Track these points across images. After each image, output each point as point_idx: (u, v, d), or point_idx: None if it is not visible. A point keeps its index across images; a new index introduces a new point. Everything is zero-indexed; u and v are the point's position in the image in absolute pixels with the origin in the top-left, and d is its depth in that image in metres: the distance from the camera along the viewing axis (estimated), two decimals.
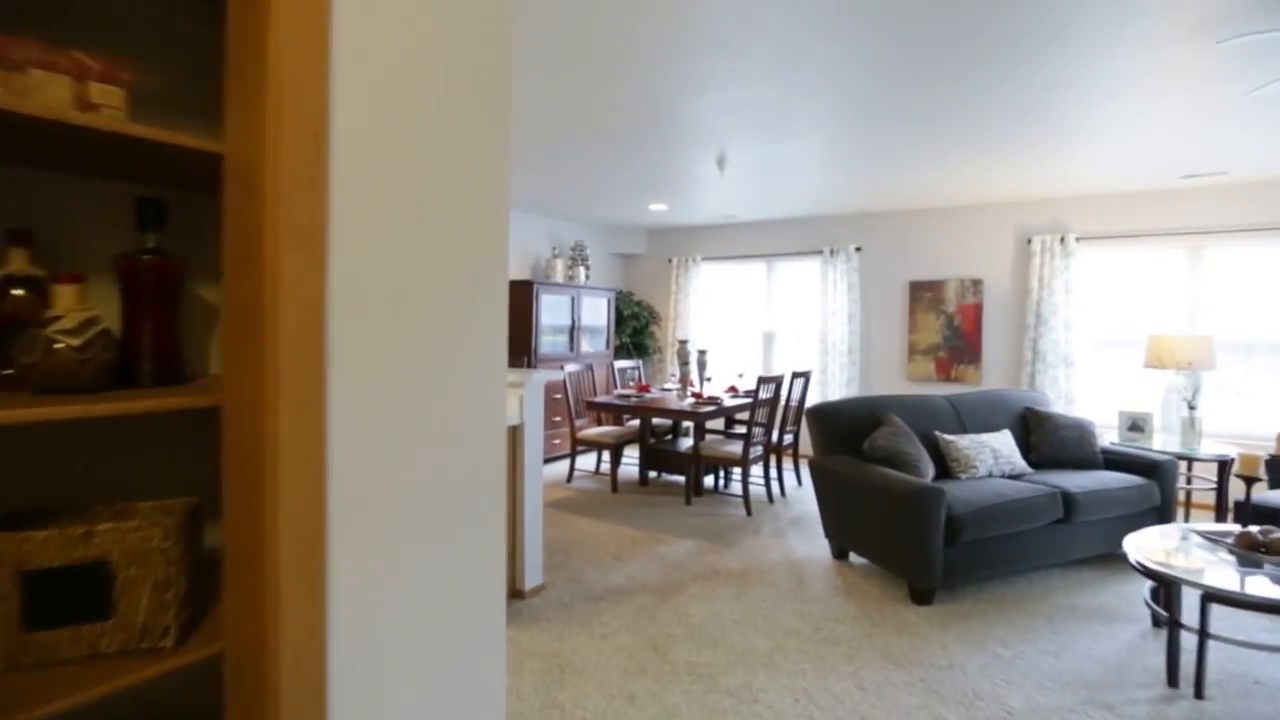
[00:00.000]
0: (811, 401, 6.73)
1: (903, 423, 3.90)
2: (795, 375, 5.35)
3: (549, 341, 6.52)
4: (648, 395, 5.57)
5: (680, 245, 7.74)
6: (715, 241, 7.50)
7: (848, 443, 3.95)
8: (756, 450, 4.91)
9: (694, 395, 5.32)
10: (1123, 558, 3.98)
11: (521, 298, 6.20)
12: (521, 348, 6.22)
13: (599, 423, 6.05)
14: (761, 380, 4.77)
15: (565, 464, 6.19)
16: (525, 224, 6.73)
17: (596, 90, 3.17)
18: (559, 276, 6.70)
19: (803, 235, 6.94)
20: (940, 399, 4.36)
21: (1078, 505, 3.64)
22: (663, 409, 4.97)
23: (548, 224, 7.01)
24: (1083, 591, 3.52)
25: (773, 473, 5.70)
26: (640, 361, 6.64)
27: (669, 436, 6.00)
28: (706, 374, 5.78)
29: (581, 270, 6.91)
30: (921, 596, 3.34)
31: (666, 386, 6.17)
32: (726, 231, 7.42)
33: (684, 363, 5.65)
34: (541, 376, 3.30)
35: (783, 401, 5.92)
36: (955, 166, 4.64)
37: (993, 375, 6.04)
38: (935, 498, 3.27)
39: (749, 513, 4.83)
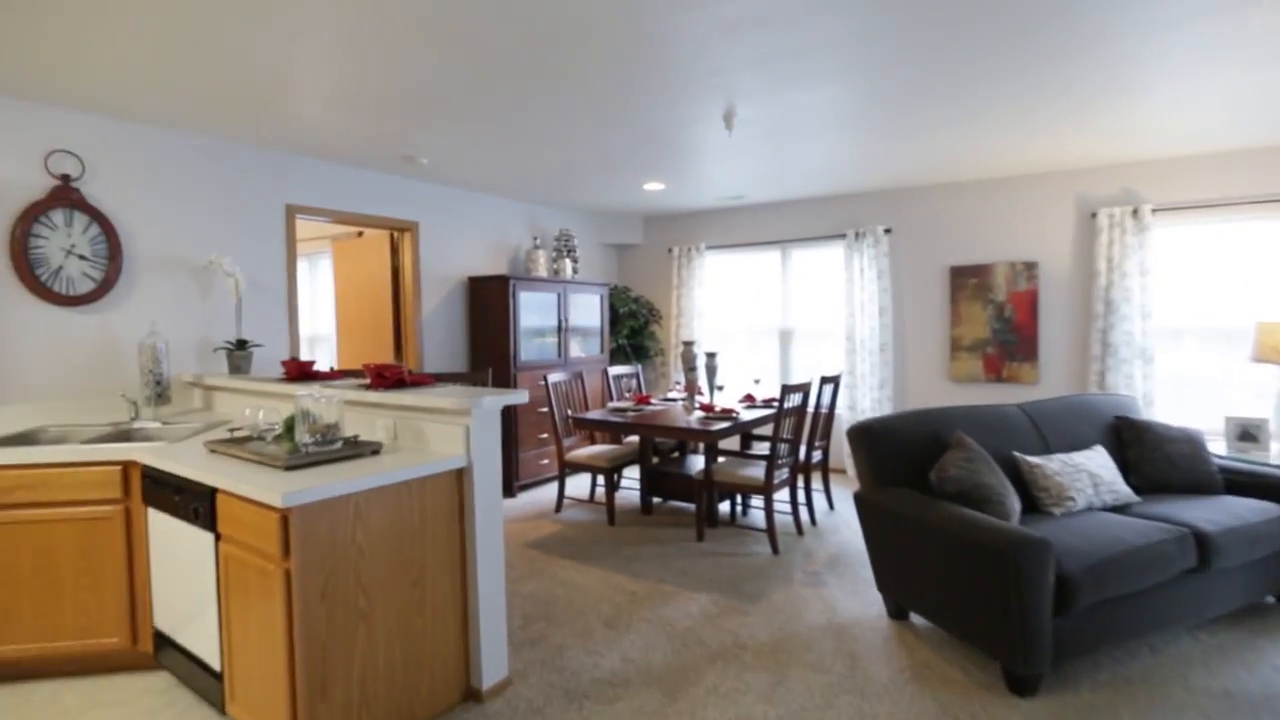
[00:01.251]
0: (841, 409, 5.85)
1: (976, 445, 3.01)
2: (824, 380, 4.47)
3: (532, 346, 5.64)
4: (649, 408, 4.69)
5: (682, 232, 6.86)
6: (722, 227, 6.61)
7: (906, 470, 3.07)
8: (782, 474, 4.03)
9: (703, 407, 4.44)
10: (1270, 611, 3.09)
11: (495, 296, 5.33)
12: (497, 355, 5.35)
13: (593, 441, 5.17)
14: (786, 389, 3.89)
15: (554, 489, 5.31)
16: (500, 211, 5.86)
17: (562, 4, 2.30)
18: (542, 270, 5.83)
19: (823, 217, 6.05)
20: (1013, 410, 3.47)
21: (1216, 548, 2.76)
22: (667, 426, 4.09)
23: (528, 211, 6.14)
24: (1230, 665, 2.63)
25: (800, 496, 4.82)
26: (640, 367, 5.77)
27: (675, 454, 5.12)
28: (717, 381, 4.92)
29: (568, 263, 6.03)
30: (1024, 685, 2.46)
31: (671, 396, 5.29)
32: (734, 215, 6.53)
33: (690, 368, 4.77)
34: (496, 401, 2.43)
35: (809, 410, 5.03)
36: (1003, 122, 3.75)
37: (1053, 374, 5.14)
38: (1041, 554, 2.38)
39: (775, 550, 3.95)
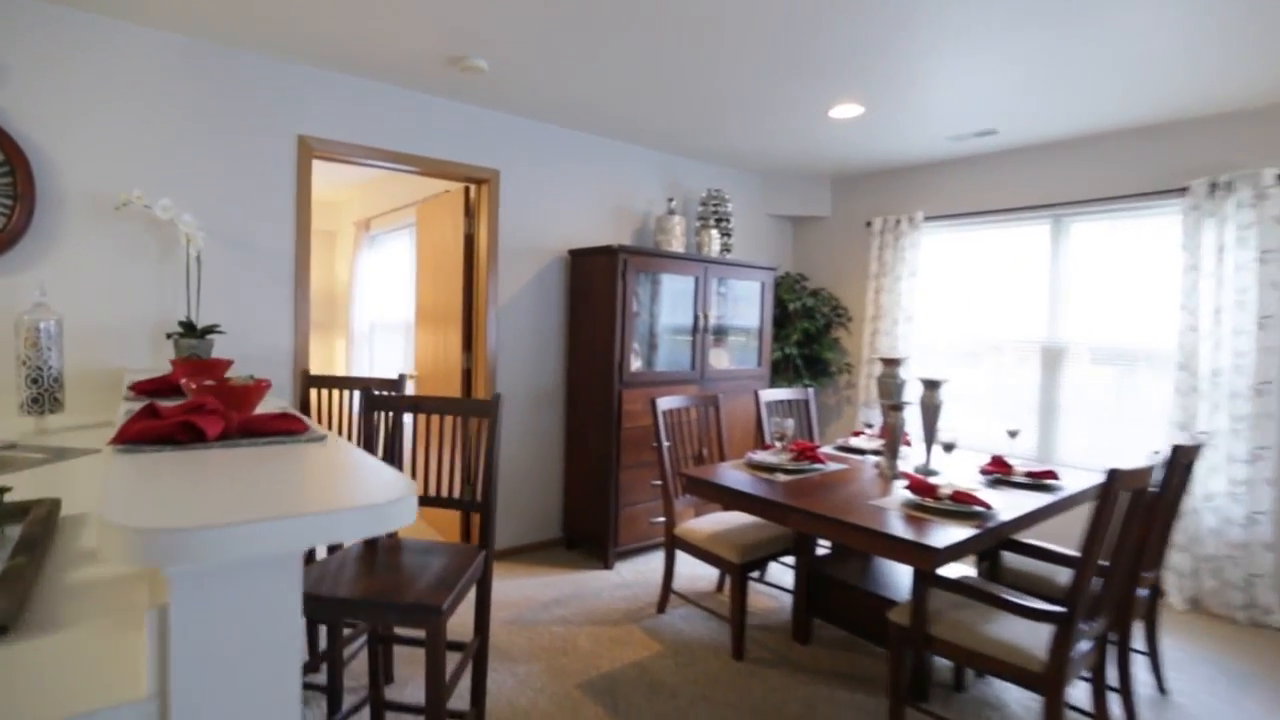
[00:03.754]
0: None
1: None
2: (1177, 453, 2.24)
3: (655, 350, 3.96)
4: (814, 469, 2.78)
5: (887, 196, 4.76)
6: (951, 186, 4.41)
7: None
8: (1084, 644, 1.93)
9: (914, 482, 2.40)
10: None
11: (601, 276, 3.71)
12: (598, 362, 3.74)
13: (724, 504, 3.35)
14: (1121, 479, 1.79)
15: (658, 570, 3.55)
16: (618, 159, 4.24)
17: None
18: (676, 243, 4.12)
19: (1141, 161, 3.64)
20: None
21: None
22: (842, 521, 2.15)
23: (661, 163, 4.45)
24: None
25: (1114, 672, 2.59)
26: (813, 391, 3.83)
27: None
28: (944, 435, 2.82)
29: (714, 236, 4.25)
30: None
31: (855, 445, 3.30)
32: (972, 168, 4.31)
33: (894, 404, 2.76)
34: (255, 541, 0.75)
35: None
36: None
37: None
38: None
39: None
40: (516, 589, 3.37)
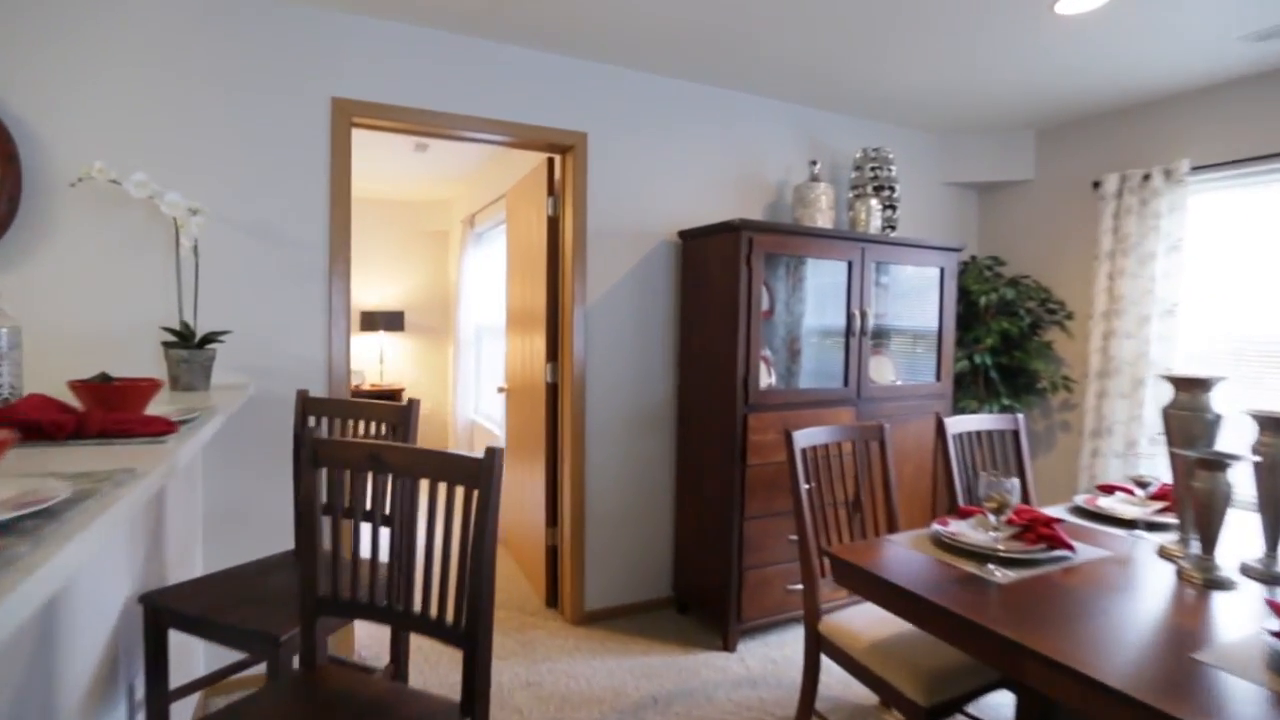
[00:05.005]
0: None
1: None
2: None
3: (797, 359, 3.00)
4: (1053, 559, 1.68)
5: (1126, 144, 3.41)
6: (1242, 118, 3.01)
7: None
8: None
9: (1274, 607, 1.25)
10: None
11: (719, 262, 2.80)
12: (717, 375, 2.84)
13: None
14: None
15: (795, 660, 2.51)
16: (740, 116, 3.31)
17: None
18: (822, 219, 3.11)
19: None
20: None
21: None
22: (1151, 706, 1.09)
23: (796, 118, 3.46)
24: None
25: None
26: (1022, 417, 2.65)
27: None
28: None
29: (874, 208, 3.19)
30: None
31: (1110, 510, 2.11)
32: (1271, 88, 2.90)
33: (1208, 455, 1.59)
34: None
35: None
36: None
37: None
38: None
39: None
40: (604, 676, 2.56)
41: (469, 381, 5.50)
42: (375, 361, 6.33)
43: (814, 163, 3.19)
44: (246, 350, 2.37)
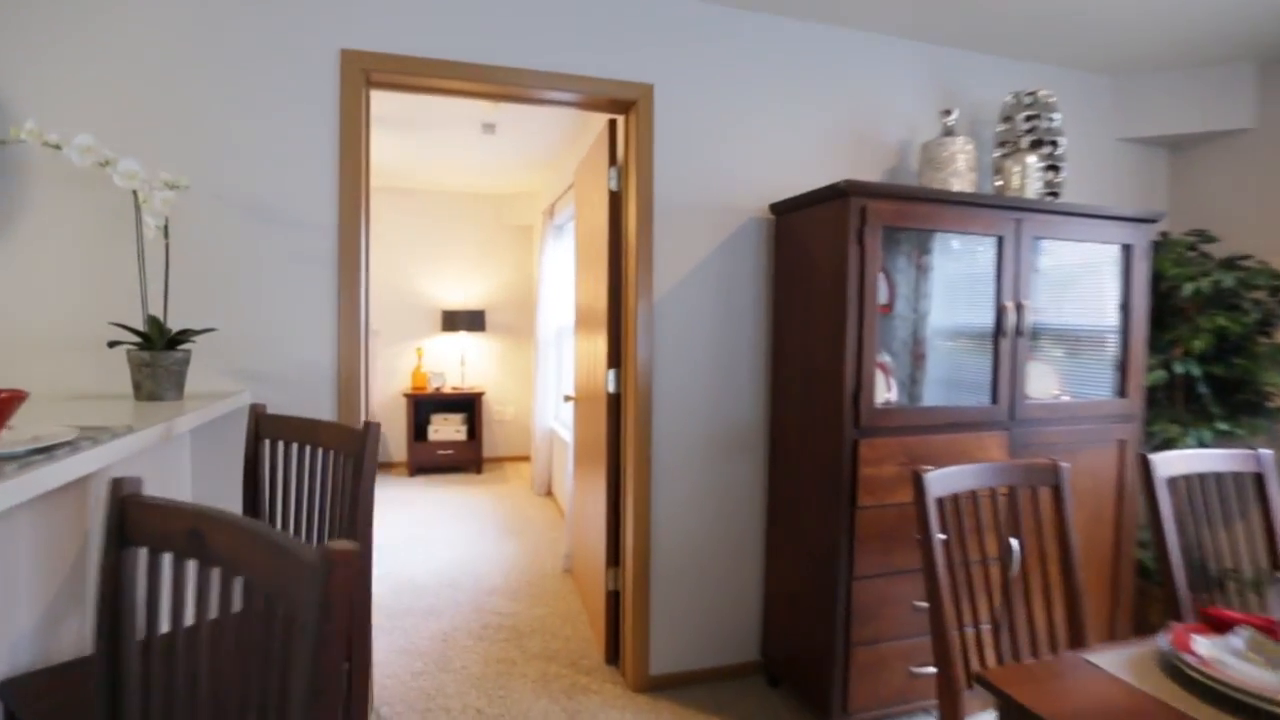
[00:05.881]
0: None
1: None
2: None
3: (924, 373, 2.32)
4: None
5: None
6: None
7: None
8: None
9: None
10: None
11: (823, 241, 2.15)
12: (821, 389, 2.20)
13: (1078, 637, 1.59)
14: None
15: None
16: (854, 54, 2.62)
17: None
18: (958, 183, 2.39)
19: None
20: None
21: None
22: None
23: (927, 60, 2.72)
24: None
25: None
26: (1270, 456, 1.83)
27: None
28: None
29: (1029, 167, 2.42)
30: None
31: None
32: None
33: None
34: None
35: None
36: None
37: None
38: None
39: None
40: None
41: (549, 386, 5.09)
42: (457, 363, 6.09)
43: (948, 112, 2.46)
44: (245, 352, 2.01)
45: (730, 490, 2.50)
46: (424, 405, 5.86)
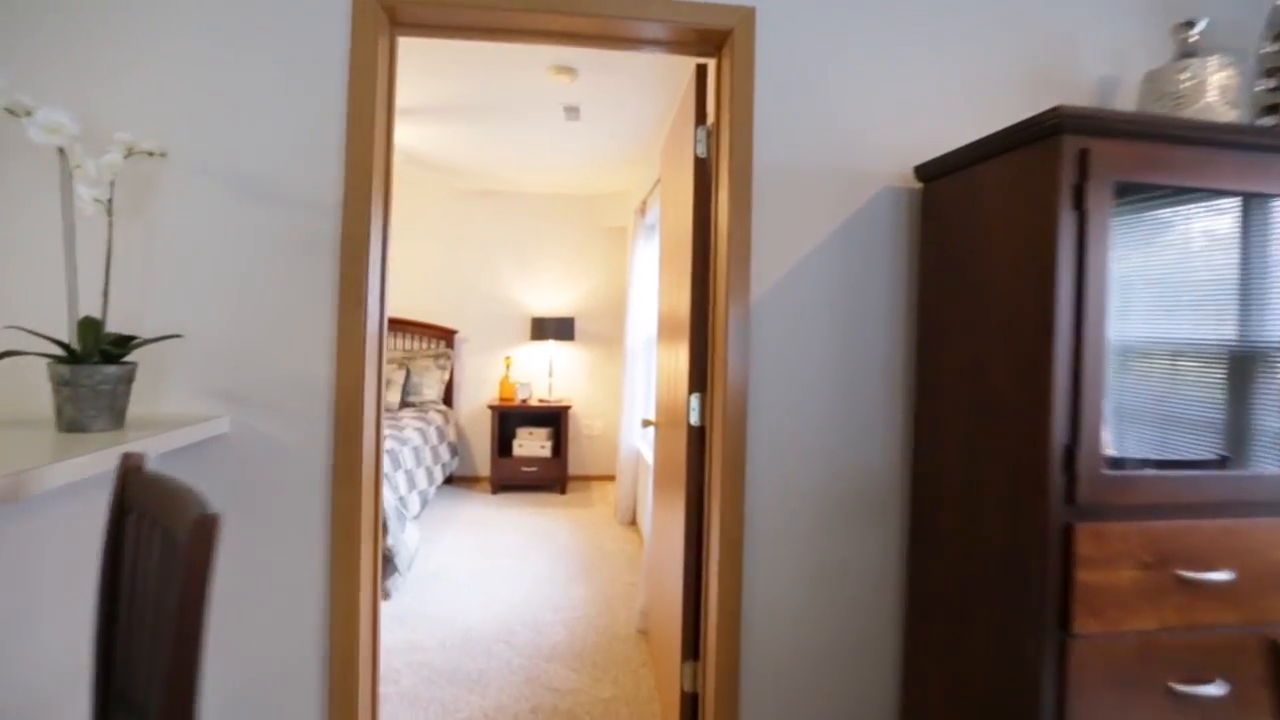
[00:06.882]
0: None
1: None
2: None
3: (1168, 413, 1.55)
4: None
5: None
6: None
7: None
8: None
9: None
10: None
11: (995, 208, 1.45)
12: (984, 430, 1.48)
13: None
14: None
15: None
16: None
17: None
18: (1211, 114, 1.59)
19: None
20: None
21: None
22: None
23: None
24: None
25: None
26: None
27: None
28: None
29: None
30: None
31: None
32: None
33: None
34: None
35: None
36: None
37: None
38: None
39: None
40: None
41: (636, 400, 4.55)
42: (544, 374, 5.68)
43: (1189, 24, 1.67)
44: (222, 364, 1.58)
45: (850, 569, 1.82)
46: (509, 418, 5.49)
